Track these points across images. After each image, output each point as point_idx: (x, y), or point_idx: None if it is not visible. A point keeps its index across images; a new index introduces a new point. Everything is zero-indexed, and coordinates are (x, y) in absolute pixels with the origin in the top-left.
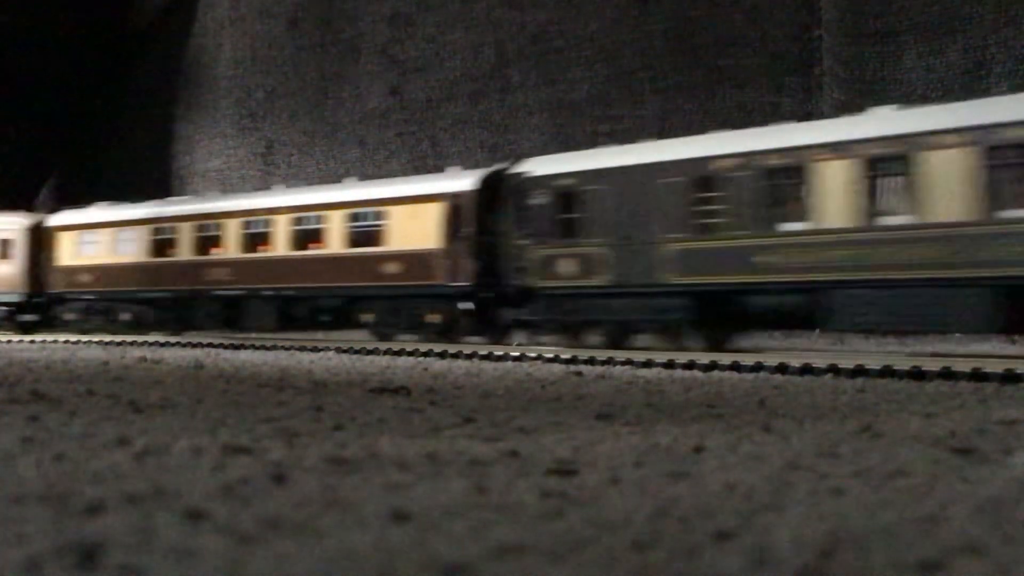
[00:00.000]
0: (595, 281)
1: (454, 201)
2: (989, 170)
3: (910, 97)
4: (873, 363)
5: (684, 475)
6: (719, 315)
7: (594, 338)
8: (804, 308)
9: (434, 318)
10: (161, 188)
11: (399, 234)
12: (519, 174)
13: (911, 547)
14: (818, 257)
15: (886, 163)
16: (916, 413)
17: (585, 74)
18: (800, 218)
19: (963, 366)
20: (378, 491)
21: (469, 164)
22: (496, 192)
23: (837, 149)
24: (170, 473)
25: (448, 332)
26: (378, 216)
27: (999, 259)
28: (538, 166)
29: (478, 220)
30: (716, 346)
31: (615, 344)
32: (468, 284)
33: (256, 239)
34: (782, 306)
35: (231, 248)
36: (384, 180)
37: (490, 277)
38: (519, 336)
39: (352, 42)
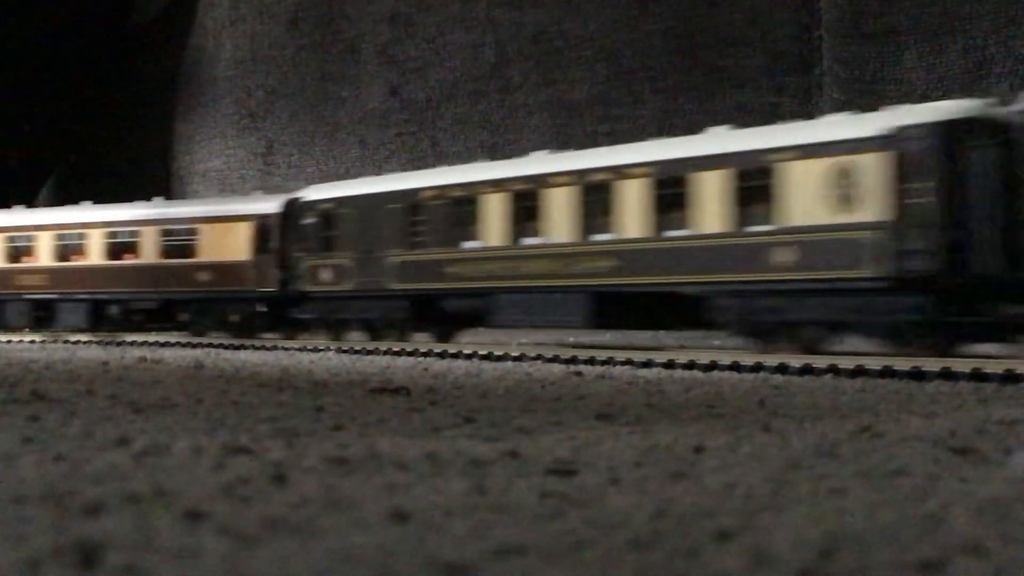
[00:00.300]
0: (344, 287)
1: (262, 221)
2: (585, 204)
3: (910, 97)
4: (873, 363)
5: (684, 475)
6: (429, 315)
7: (354, 334)
8: (479, 309)
9: (235, 318)
10: (161, 188)
11: (212, 247)
12: (299, 199)
13: (911, 547)
14: (484, 268)
15: (525, 196)
16: (916, 413)
17: (585, 74)
18: (474, 238)
19: (963, 366)
20: (378, 491)
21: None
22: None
23: (496, 185)
24: (170, 473)
25: (248, 329)
26: (192, 232)
27: (590, 271)
28: (312, 193)
29: (281, 237)
30: (443, 339)
31: (374, 338)
32: (273, 290)
33: (69, 249)
34: (465, 307)
35: (44, 257)
36: (194, 200)
37: (289, 285)
38: (308, 333)
39: (352, 42)
